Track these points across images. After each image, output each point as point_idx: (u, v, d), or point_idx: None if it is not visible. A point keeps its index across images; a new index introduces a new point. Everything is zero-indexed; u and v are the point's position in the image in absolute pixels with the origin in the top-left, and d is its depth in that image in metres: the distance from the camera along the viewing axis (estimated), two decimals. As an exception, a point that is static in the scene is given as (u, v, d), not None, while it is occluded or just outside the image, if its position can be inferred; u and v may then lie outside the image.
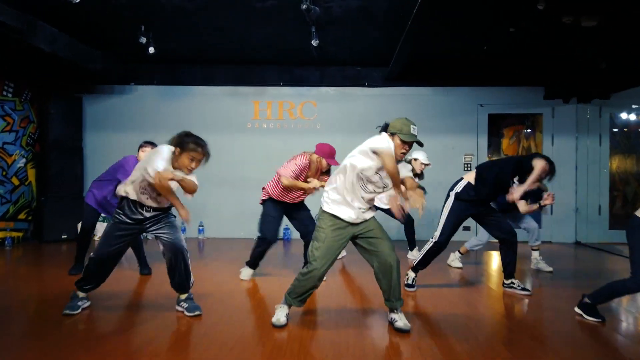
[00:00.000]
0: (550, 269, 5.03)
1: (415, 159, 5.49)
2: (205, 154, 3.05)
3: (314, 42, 5.40)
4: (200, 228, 7.49)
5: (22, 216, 6.80)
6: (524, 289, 4.03)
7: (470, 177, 4.04)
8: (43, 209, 6.77)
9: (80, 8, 4.37)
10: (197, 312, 3.23)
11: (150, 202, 3.14)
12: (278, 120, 7.60)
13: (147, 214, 3.17)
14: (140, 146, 4.34)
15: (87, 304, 3.34)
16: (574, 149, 7.40)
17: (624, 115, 7.86)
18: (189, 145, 2.98)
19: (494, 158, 8.86)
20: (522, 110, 7.70)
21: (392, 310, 3.06)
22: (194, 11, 5.04)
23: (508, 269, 4.09)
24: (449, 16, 4.80)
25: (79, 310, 3.24)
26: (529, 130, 8.67)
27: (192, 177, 3.11)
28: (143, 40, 5.51)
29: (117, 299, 3.71)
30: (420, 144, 2.94)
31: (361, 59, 7.06)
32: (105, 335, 2.91)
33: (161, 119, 7.52)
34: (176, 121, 7.53)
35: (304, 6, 4.32)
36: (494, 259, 5.98)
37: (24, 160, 6.82)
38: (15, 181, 6.66)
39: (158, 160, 2.90)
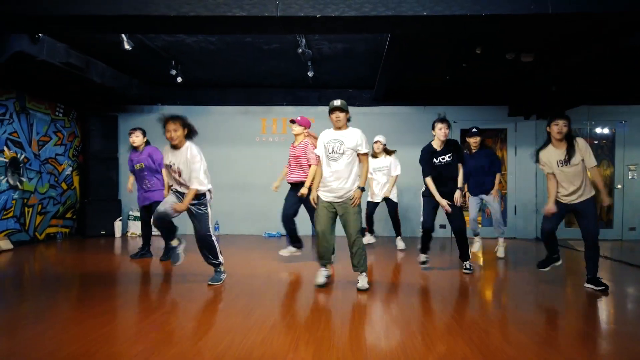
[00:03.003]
0: (501, 256, 6.21)
1: (375, 142, 6.71)
2: (167, 120, 4.00)
3: (310, 74, 6.75)
4: (217, 226, 8.78)
5: (68, 215, 8.16)
6: (467, 269, 5.05)
7: None
8: (85, 209, 8.12)
9: (125, 49, 5.71)
10: (210, 282, 4.33)
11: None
12: (282, 134, 8.91)
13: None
14: (130, 133, 5.68)
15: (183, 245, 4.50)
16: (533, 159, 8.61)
17: (597, 130, 9.03)
18: (162, 127, 4.08)
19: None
20: (489, 125, 8.94)
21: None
22: (215, 51, 6.41)
23: (461, 256, 5.13)
24: (411, 56, 6.11)
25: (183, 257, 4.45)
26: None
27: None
28: (174, 72, 6.88)
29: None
30: (340, 109, 4.09)
31: (352, 84, 8.38)
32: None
33: (183, 133, 8.86)
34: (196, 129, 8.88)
35: (300, 50, 5.66)
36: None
37: (70, 168, 8.19)
38: (64, 186, 8.03)
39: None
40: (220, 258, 4.38)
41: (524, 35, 5.41)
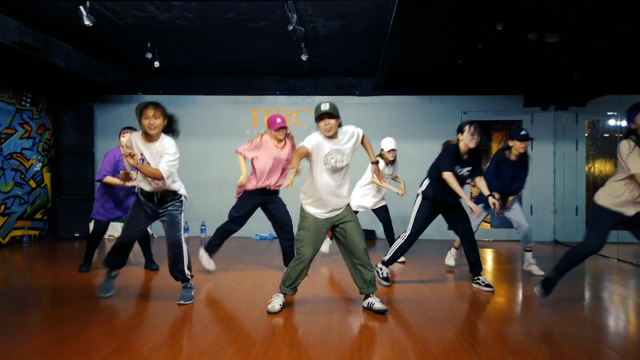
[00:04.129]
0: (542, 272, 4.86)
1: (382, 149, 5.49)
2: (147, 105, 3.39)
3: (304, 57, 5.95)
4: (203, 227, 8.02)
5: (38, 216, 7.38)
6: (488, 286, 4.21)
7: None
8: (57, 209, 7.35)
9: (92, 28, 4.92)
10: (181, 301, 3.63)
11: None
12: (275, 126, 8.13)
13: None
14: (122, 133, 4.72)
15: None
16: (552, 153, 7.86)
17: (607, 122, 8.29)
18: (139, 114, 3.39)
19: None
20: (503, 117, 8.18)
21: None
22: (194, 30, 5.60)
23: (472, 269, 4.32)
24: (420, 35, 5.31)
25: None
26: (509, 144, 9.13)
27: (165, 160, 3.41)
28: (149, 55, 6.08)
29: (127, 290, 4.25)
30: (330, 115, 3.26)
31: (351, 70, 7.59)
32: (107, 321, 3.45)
33: (166, 126, 8.10)
34: (181, 127, 8.10)
35: (291, 27, 4.86)
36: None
37: (40, 164, 7.41)
38: (32, 183, 7.25)
39: None
40: (189, 271, 3.76)
41: (551, 9, 4.62)
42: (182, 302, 3.63)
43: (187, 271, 3.68)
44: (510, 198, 4.94)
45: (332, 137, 3.32)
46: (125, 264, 3.88)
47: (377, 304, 3.44)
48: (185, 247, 3.65)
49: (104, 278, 3.88)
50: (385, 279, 4.38)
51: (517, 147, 4.84)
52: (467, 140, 4.02)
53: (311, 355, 2.64)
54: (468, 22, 4.95)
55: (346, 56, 6.71)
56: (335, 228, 3.49)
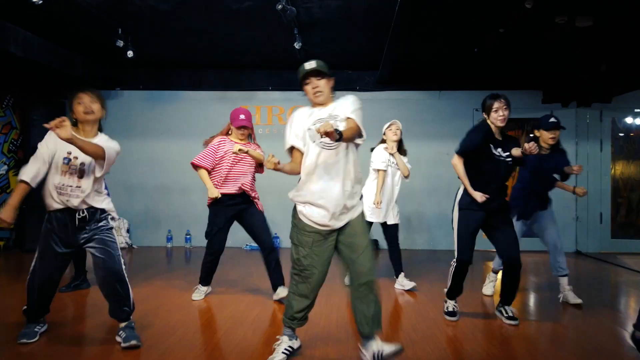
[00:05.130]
0: (579, 301, 3.91)
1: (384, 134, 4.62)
2: (82, 90, 2.78)
3: (297, 45, 5.21)
4: (188, 237, 7.28)
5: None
6: (510, 318, 3.41)
7: None
8: (25, 217, 6.59)
9: (52, 11, 4.21)
10: (132, 342, 2.78)
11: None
12: (267, 125, 7.40)
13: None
14: None
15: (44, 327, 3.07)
16: (573, 154, 7.11)
17: (628, 120, 7.57)
18: (73, 97, 2.76)
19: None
20: (519, 114, 7.39)
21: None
22: (168, 13, 4.85)
23: (502, 297, 3.47)
24: (432, 18, 4.57)
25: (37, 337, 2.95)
26: (531, 135, 8.40)
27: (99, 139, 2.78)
28: (120, 43, 5.34)
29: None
30: (317, 73, 2.54)
31: (352, 62, 6.86)
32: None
33: (148, 124, 7.39)
34: (163, 126, 7.41)
35: (280, 6, 4.13)
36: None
37: (5, 167, 6.67)
38: (-4, 189, 6.52)
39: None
40: (132, 305, 2.93)
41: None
42: (133, 342, 2.77)
43: (132, 306, 2.91)
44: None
45: (324, 104, 2.57)
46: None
47: (387, 348, 2.49)
48: (126, 277, 2.87)
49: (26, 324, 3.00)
50: (451, 313, 3.51)
51: (544, 137, 3.89)
52: (494, 118, 3.23)
53: None
54: (490, 2, 4.21)
55: (345, 45, 5.96)
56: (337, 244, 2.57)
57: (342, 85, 7.22)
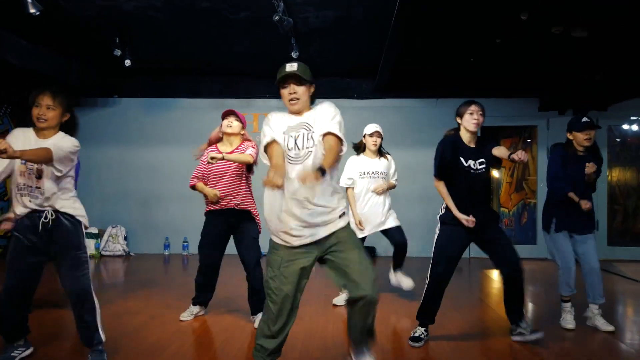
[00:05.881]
0: (612, 328, 3.46)
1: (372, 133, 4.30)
2: (43, 91, 2.62)
3: (294, 54, 5.23)
4: (185, 244, 7.28)
5: (0, 233, 6.63)
6: (534, 332, 3.14)
7: None
8: (22, 225, 6.59)
9: (49, 20, 4.22)
10: None
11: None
12: (265, 133, 7.41)
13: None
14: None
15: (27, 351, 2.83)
16: (570, 162, 7.14)
17: (624, 127, 7.61)
18: (32, 97, 2.62)
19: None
20: (515, 122, 7.48)
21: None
22: (165, 21, 4.87)
23: (512, 315, 3.21)
24: (429, 27, 4.60)
25: None
26: (528, 141, 8.43)
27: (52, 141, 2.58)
28: (118, 52, 5.35)
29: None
30: (297, 79, 2.33)
31: (349, 71, 6.89)
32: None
33: (146, 131, 7.41)
34: (161, 134, 7.42)
35: (276, 17, 4.15)
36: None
37: (2, 175, 6.66)
38: (-7, 197, 6.51)
39: None
40: (101, 332, 2.71)
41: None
42: None
43: (100, 329, 2.69)
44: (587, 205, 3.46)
45: (299, 113, 2.36)
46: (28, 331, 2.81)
47: None
48: (94, 296, 2.67)
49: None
50: (416, 338, 3.19)
51: (578, 139, 3.53)
52: (466, 123, 3.14)
53: None
54: (486, 10, 4.24)
55: (342, 54, 5.99)
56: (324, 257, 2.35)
57: (339, 93, 7.26)
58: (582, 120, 3.54)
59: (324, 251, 2.31)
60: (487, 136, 3.33)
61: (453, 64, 6.09)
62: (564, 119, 7.14)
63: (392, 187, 4.35)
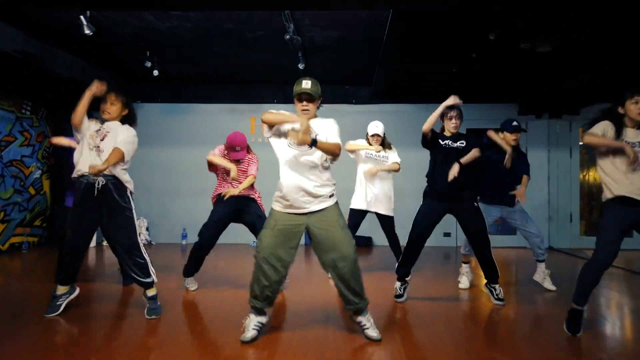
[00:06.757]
0: (553, 288, 4.44)
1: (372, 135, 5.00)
2: (108, 92, 3.52)
3: (301, 66, 6.04)
4: (184, 234, 8.05)
5: (37, 223, 7.42)
6: (498, 299, 3.88)
7: None
8: (56, 216, 7.38)
9: (93, 38, 5.01)
10: (152, 316, 3.38)
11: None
12: (272, 134, 8.20)
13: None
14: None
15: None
16: (546, 161, 7.96)
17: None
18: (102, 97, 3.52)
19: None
20: (497, 125, 8.20)
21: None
22: (192, 39, 5.69)
23: (488, 274, 3.93)
24: (414, 43, 5.39)
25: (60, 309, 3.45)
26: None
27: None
28: (148, 64, 6.17)
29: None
30: (309, 97, 2.90)
31: (348, 79, 7.68)
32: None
33: (165, 133, 8.19)
34: (178, 136, 8.21)
35: (287, 37, 4.96)
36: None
37: (39, 171, 7.47)
38: (32, 191, 7.30)
39: None
40: (153, 276, 3.48)
41: (542, 21, 4.73)
42: (153, 316, 3.39)
43: (152, 273, 3.45)
44: (521, 191, 4.25)
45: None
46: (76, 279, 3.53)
47: (371, 330, 2.96)
48: (144, 251, 3.47)
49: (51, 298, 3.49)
50: (398, 295, 3.99)
51: (507, 139, 4.35)
52: (447, 126, 4.00)
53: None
54: (461, 32, 5.05)
55: (343, 65, 6.81)
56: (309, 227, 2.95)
57: (339, 99, 8.05)
58: (513, 124, 4.35)
59: (313, 225, 2.91)
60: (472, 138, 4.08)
61: (439, 73, 6.88)
62: (540, 122, 8.00)
63: (396, 169, 5.04)
